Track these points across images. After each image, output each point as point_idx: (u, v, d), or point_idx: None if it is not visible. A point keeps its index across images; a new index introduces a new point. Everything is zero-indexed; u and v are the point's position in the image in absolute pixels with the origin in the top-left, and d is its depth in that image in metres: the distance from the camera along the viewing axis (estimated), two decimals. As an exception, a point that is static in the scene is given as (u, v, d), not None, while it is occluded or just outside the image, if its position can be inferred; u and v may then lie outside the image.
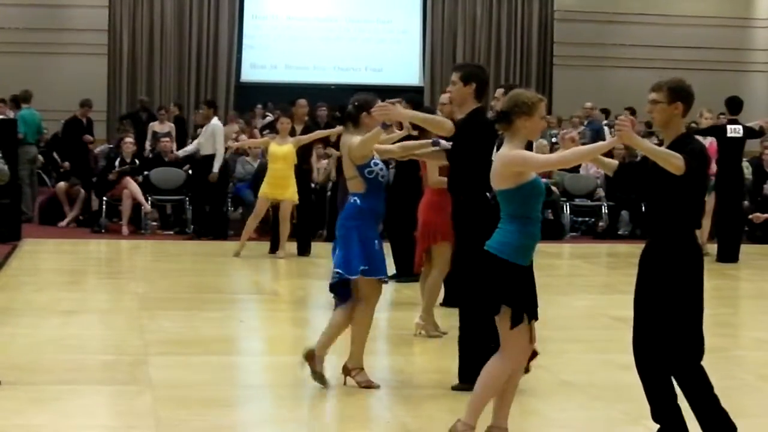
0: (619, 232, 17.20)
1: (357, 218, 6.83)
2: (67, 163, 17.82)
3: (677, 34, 22.55)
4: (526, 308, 5.27)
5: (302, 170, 13.58)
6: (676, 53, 22.27)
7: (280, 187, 13.17)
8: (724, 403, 5.33)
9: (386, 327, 8.97)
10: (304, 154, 13.62)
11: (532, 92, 5.52)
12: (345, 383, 6.89)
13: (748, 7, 23.67)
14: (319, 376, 6.82)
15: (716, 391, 5.33)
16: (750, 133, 14.69)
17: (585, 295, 11.59)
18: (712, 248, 14.70)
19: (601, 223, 17.54)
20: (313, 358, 6.86)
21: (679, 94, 5.23)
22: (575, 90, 21.76)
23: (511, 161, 5.27)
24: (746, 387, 7.19)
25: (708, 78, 22.02)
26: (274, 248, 13.70)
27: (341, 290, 6.84)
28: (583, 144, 12.91)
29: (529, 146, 5.62)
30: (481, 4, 22.71)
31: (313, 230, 14.61)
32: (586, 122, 19.97)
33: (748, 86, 22.98)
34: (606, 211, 17.49)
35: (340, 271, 6.73)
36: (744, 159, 17.41)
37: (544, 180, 17.94)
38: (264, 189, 13.38)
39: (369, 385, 6.83)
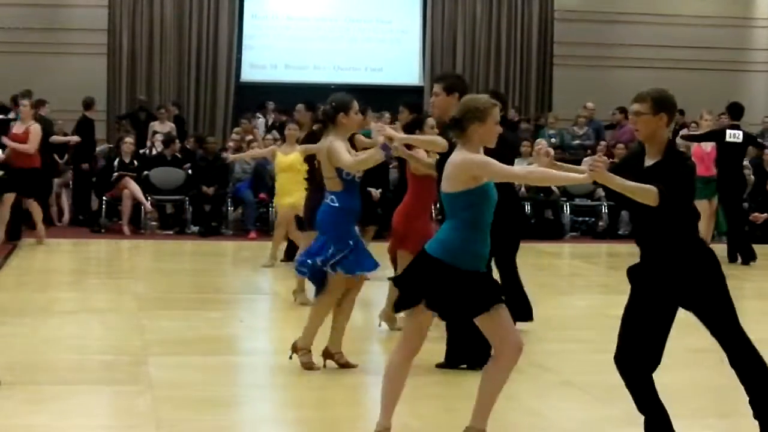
0: (619, 232, 17.21)
1: (335, 217, 7.16)
2: (86, 165, 17.72)
3: (677, 34, 22.53)
4: (476, 304, 5.22)
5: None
6: (676, 53, 22.26)
7: (286, 195, 12.57)
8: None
9: (386, 327, 8.96)
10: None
11: (485, 97, 5.40)
12: (324, 366, 7.33)
13: (748, 7, 23.64)
14: (308, 366, 7.31)
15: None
16: (750, 139, 14.64)
17: (585, 295, 11.60)
18: (714, 249, 14.69)
19: (601, 223, 17.56)
20: (297, 350, 7.34)
21: (664, 105, 5.14)
22: (575, 90, 21.72)
23: (471, 164, 5.18)
24: (746, 387, 7.18)
25: (708, 78, 22.02)
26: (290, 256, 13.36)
27: (318, 280, 7.29)
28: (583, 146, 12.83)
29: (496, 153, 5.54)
30: (481, 4, 22.67)
31: None
32: (587, 122, 19.95)
33: (748, 86, 22.96)
34: (606, 211, 17.52)
35: (321, 266, 7.14)
36: (744, 159, 17.42)
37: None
38: (277, 199, 12.89)
39: (310, 366, 7.28)
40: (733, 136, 14.00)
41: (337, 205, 7.16)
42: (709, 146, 14.43)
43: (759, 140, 16.50)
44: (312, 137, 13.14)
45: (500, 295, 5.31)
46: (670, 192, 4.92)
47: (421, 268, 5.25)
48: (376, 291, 9.68)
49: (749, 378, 5.24)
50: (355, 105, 7.29)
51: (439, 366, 7.25)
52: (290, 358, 7.34)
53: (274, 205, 13.13)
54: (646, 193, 4.90)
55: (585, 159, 5.15)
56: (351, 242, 7.16)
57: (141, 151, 17.88)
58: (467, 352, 7.23)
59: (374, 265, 7.35)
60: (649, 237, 5.16)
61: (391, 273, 11.15)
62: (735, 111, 14.39)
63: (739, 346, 5.23)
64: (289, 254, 13.27)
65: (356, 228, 7.43)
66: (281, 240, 12.88)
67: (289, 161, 12.56)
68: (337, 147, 7.10)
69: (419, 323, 5.34)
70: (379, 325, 8.92)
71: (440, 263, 5.17)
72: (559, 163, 5.50)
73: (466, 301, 5.21)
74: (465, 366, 7.27)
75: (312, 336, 7.35)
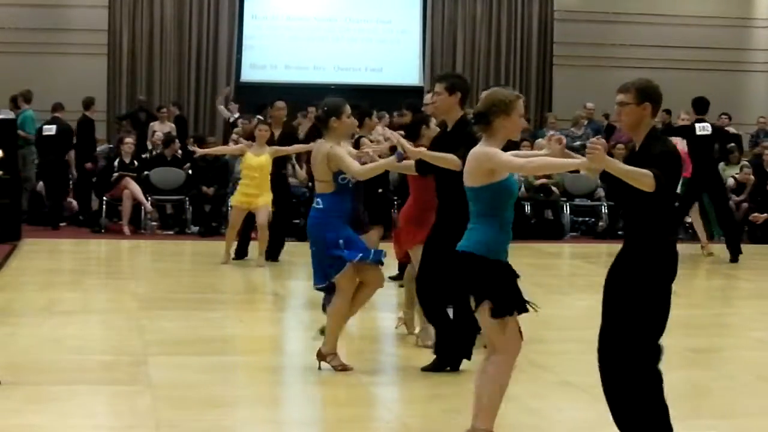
0: (619, 232, 17.19)
1: (321, 220, 7.09)
2: (89, 164, 17.70)
3: (677, 34, 22.53)
4: (509, 300, 5.27)
5: (279, 175, 13.08)
6: (676, 53, 22.26)
7: (254, 196, 12.53)
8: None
9: (388, 327, 8.96)
10: (281, 159, 13.16)
11: (508, 90, 5.44)
12: (320, 368, 7.20)
13: (748, 7, 23.65)
14: (341, 368, 7.19)
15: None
16: (718, 132, 14.70)
17: (585, 295, 11.58)
18: (714, 249, 14.71)
19: (601, 223, 17.55)
20: (324, 357, 7.18)
21: (648, 95, 5.09)
22: (575, 90, 21.72)
23: (485, 157, 5.24)
24: (746, 387, 7.17)
25: (708, 78, 22.00)
26: (239, 254, 13.23)
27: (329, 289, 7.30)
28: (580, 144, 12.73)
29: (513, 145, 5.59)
30: (481, 4, 22.68)
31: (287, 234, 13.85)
32: (586, 122, 19.96)
33: (748, 86, 22.97)
34: (606, 211, 17.50)
35: (328, 277, 7.13)
36: (745, 159, 17.42)
37: (542, 180, 17.86)
38: (238, 198, 12.78)
39: (344, 368, 7.17)
40: (703, 129, 14.11)
41: (321, 206, 7.11)
42: (682, 145, 14.40)
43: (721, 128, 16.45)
44: (288, 138, 13.08)
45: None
46: (664, 174, 4.85)
47: (476, 271, 5.28)
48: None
49: (616, 412, 5.18)
50: (347, 109, 7.20)
51: (425, 369, 7.19)
52: (319, 368, 7.23)
53: (233, 204, 12.91)
54: (642, 177, 4.83)
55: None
56: (341, 241, 7.07)
57: (143, 155, 17.86)
58: (454, 355, 7.21)
59: (376, 254, 7.23)
60: (629, 229, 5.17)
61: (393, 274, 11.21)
62: (699, 106, 14.45)
63: (619, 370, 5.13)
64: (271, 254, 13.16)
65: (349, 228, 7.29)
66: (266, 239, 12.84)
67: (258, 162, 12.45)
68: (340, 153, 7.01)
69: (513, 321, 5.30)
70: (396, 327, 8.81)
71: (485, 260, 5.24)
72: (569, 152, 5.52)
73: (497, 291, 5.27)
74: (449, 369, 7.23)
75: (335, 340, 7.24)
